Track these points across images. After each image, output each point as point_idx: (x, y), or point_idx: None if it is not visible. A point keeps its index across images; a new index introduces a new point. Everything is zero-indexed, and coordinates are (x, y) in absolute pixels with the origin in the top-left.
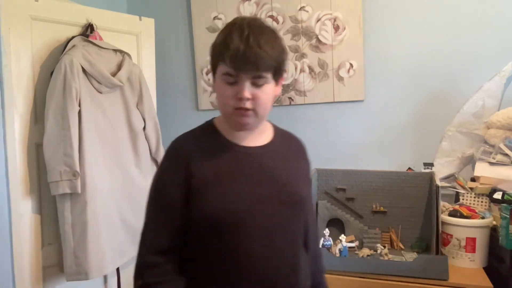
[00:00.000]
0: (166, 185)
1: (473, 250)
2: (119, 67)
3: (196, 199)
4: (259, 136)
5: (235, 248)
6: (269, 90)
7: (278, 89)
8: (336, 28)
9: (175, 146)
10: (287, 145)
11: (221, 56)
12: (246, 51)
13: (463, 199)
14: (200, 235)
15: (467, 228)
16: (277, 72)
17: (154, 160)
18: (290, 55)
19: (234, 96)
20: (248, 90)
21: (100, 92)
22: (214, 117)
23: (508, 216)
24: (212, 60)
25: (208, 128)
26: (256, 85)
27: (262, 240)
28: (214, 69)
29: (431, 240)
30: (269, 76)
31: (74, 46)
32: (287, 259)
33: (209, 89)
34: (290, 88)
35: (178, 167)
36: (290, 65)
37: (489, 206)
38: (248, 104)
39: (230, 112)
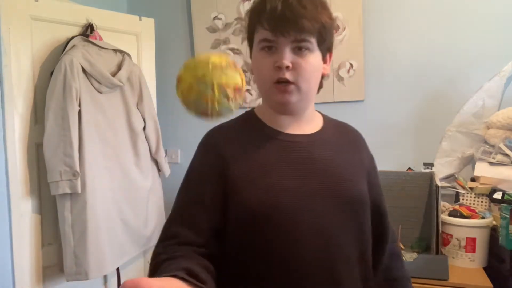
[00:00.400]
0: (195, 179)
1: (473, 250)
2: (119, 67)
3: (233, 195)
4: (307, 124)
5: (282, 256)
6: (314, 60)
7: (327, 68)
8: (336, 28)
9: (206, 136)
10: (341, 135)
11: (258, 19)
12: (285, 9)
13: (463, 199)
14: (239, 239)
15: (467, 228)
16: (323, 40)
17: (154, 160)
18: None
19: (272, 66)
20: (288, 57)
21: (100, 92)
22: (255, 107)
23: (508, 216)
24: (248, 28)
25: (247, 116)
26: (298, 52)
27: (315, 245)
28: (251, 40)
29: (431, 240)
30: (313, 41)
31: (74, 46)
32: (346, 269)
33: None
34: None
35: (209, 158)
36: None
37: (489, 206)
38: (288, 75)
39: (269, 88)
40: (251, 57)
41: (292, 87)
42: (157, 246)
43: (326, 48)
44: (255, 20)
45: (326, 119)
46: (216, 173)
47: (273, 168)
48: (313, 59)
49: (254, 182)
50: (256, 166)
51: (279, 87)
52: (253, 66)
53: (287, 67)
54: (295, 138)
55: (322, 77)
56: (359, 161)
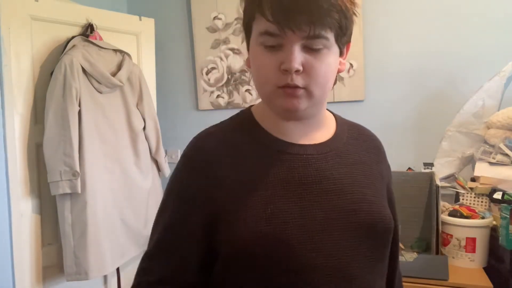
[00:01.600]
0: (175, 204)
1: (473, 250)
2: (119, 67)
3: (223, 224)
4: (316, 130)
5: None
6: (331, 59)
7: (344, 62)
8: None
9: (193, 147)
10: (358, 142)
11: (258, 5)
12: None
13: (463, 199)
14: (233, 278)
15: (467, 228)
16: (343, 33)
17: (154, 160)
18: None
19: (277, 68)
20: (298, 58)
21: (100, 92)
22: (253, 105)
23: (508, 216)
24: (245, 13)
25: (243, 119)
26: (310, 50)
27: None
28: (247, 30)
29: (431, 240)
30: (330, 37)
31: (74, 46)
32: None
33: (209, 89)
34: None
35: (193, 179)
36: None
37: (489, 206)
38: (298, 80)
39: (271, 93)
40: (248, 48)
41: (301, 91)
42: (134, 278)
43: (345, 42)
44: (255, 6)
45: (340, 121)
46: (201, 199)
47: (275, 191)
48: (330, 57)
49: (245, 209)
50: (253, 189)
51: (285, 91)
52: (251, 62)
53: (297, 70)
54: (303, 150)
55: (338, 72)
56: (379, 176)
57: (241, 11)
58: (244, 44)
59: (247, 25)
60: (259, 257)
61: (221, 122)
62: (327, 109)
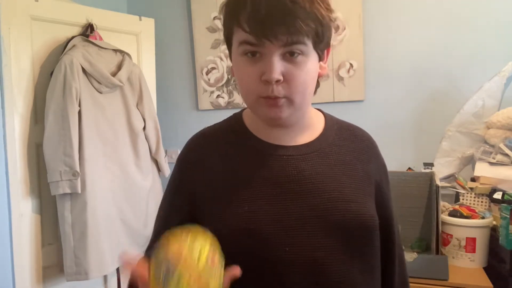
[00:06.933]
0: (169, 196)
1: (473, 250)
2: (119, 67)
3: (205, 218)
4: (301, 133)
5: None
6: (310, 66)
7: (324, 66)
8: (336, 28)
9: (187, 146)
10: (345, 142)
11: (235, 19)
12: (270, 5)
13: (463, 199)
14: None
15: (467, 228)
16: (320, 40)
17: (154, 160)
18: None
19: (258, 79)
20: (278, 68)
21: (100, 92)
22: (245, 108)
23: (508, 216)
24: (224, 26)
25: (234, 122)
26: (290, 58)
27: (305, 286)
28: (228, 40)
29: (431, 240)
30: (308, 44)
31: (74, 46)
32: None
33: (209, 89)
34: None
35: (184, 172)
36: None
37: (489, 206)
38: (278, 91)
39: (254, 102)
40: (230, 58)
41: (283, 101)
42: None
43: (323, 47)
44: (232, 19)
45: (329, 121)
46: (189, 191)
47: (254, 190)
48: (309, 64)
49: (228, 206)
50: (234, 186)
51: (267, 101)
52: (234, 72)
53: (277, 81)
54: (284, 151)
55: (319, 76)
56: (365, 176)
57: None
58: None
59: (227, 38)
60: (235, 251)
61: (215, 124)
62: (319, 110)
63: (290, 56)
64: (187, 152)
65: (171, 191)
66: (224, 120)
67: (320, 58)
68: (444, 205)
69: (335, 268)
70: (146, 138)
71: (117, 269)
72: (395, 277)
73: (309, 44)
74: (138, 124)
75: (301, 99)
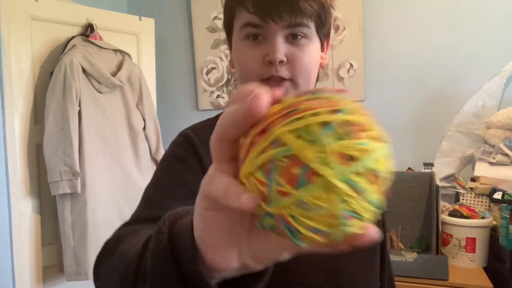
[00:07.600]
0: (174, 162)
1: (473, 250)
2: (119, 67)
3: None
4: None
5: None
6: (313, 51)
7: (325, 58)
8: (336, 28)
9: (181, 134)
10: None
11: None
12: None
13: (463, 199)
14: None
15: (467, 228)
16: (323, 24)
17: (154, 160)
18: None
19: (261, 60)
20: (281, 48)
21: (100, 92)
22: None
23: (508, 216)
24: (226, 10)
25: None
26: (293, 41)
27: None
28: (229, 25)
29: (431, 240)
30: (311, 27)
31: (74, 46)
32: None
33: (209, 89)
34: None
35: (186, 150)
36: None
37: (489, 206)
38: (282, 71)
39: None
40: (230, 48)
41: (287, 83)
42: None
43: (325, 34)
44: (236, 1)
45: None
46: (196, 163)
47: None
48: (312, 48)
49: None
50: None
51: (270, 84)
52: (234, 59)
53: (281, 61)
54: None
55: (320, 66)
56: None
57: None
58: None
59: (228, 24)
60: None
61: (207, 119)
62: None
63: (293, 38)
64: (185, 138)
65: (173, 164)
66: (216, 115)
67: (322, 47)
68: (444, 205)
69: (347, 266)
70: (146, 138)
71: None
72: (384, 274)
73: (312, 28)
74: (138, 124)
75: (306, 82)
